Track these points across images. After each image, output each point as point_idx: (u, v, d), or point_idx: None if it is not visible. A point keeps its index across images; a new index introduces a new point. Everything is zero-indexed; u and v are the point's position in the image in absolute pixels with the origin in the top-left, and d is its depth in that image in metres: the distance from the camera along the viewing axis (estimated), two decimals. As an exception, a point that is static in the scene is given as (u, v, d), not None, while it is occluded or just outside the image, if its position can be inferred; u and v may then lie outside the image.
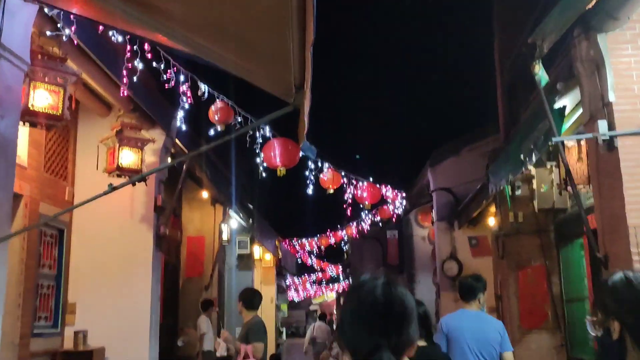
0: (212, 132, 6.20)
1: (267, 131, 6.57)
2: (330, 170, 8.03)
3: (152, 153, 7.23)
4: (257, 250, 15.14)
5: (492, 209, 8.96)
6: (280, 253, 16.22)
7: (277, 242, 15.59)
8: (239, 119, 6.20)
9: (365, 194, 9.07)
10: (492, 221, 9.25)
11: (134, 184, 6.14)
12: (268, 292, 17.67)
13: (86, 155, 7.07)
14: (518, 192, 7.07)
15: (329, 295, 38.67)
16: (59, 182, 6.78)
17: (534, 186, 6.27)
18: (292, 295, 29.79)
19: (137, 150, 6.54)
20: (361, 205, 9.24)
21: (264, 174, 6.61)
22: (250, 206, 11.68)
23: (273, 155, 6.63)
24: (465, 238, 10.68)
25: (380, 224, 13.46)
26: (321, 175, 7.90)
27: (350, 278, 22.60)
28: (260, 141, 6.47)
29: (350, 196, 8.99)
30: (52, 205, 6.57)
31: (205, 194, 10.42)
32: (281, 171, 6.64)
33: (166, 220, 7.53)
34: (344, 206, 8.97)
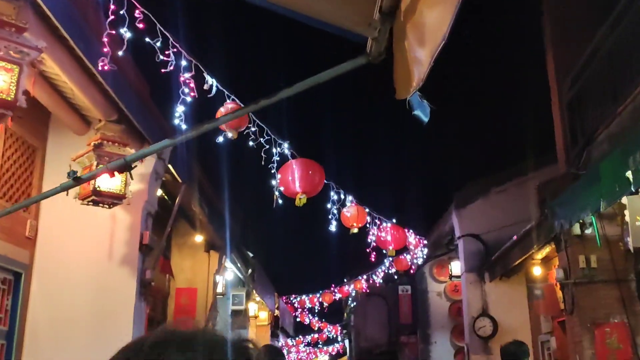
0: (220, 139, 4.84)
1: (286, 148, 5.24)
2: (354, 205, 6.67)
3: (138, 179, 5.85)
4: (253, 307, 13.51)
5: (539, 256, 7.62)
6: (278, 311, 14.56)
7: (276, 298, 13.99)
8: (253, 128, 4.88)
9: (389, 238, 7.68)
10: (537, 271, 7.88)
11: (110, 206, 4.76)
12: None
13: (56, 180, 5.65)
14: (588, 231, 5.74)
15: (322, 358, 36.33)
16: (18, 214, 5.36)
17: (627, 218, 4.95)
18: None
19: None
20: (384, 251, 7.83)
21: (279, 201, 5.23)
22: (250, 254, 10.20)
23: (291, 179, 5.29)
24: (499, 292, 9.25)
25: (396, 276, 11.97)
26: (344, 211, 6.52)
27: (351, 339, 20.76)
28: (278, 159, 5.13)
29: (372, 239, 7.59)
30: (8, 242, 5.15)
31: (199, 238, 8.97)
32: (301, 200, 5.28)
33: (153, 263, 6.07)
34: (368, 250, 7.55)
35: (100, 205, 5.17)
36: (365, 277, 13.33)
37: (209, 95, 4.43)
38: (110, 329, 5.48)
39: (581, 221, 5.60)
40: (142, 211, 5.84)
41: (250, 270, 10.38)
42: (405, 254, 10.63)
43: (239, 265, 10.46)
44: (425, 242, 10.08)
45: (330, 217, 6.17)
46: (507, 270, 8.69)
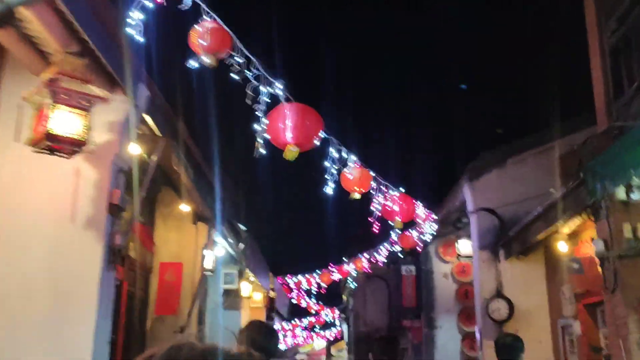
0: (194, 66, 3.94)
1: (278, 89, 4.35)
2: (357, 166, 5.79)
3: (107, 128, 4.98)
4: (246, 287, 12.70)
5: (565, 230, 6.78)
6: (274, 292, 13.75)
7: (271, 278, 13.17)
8: (239, 60, 3.98)
9: (396, 208, 6.82)
10: (562, 246, 7.04)
11: (70, 155, 3.93)
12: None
13: (6, 124, 4.80)
14: (635, 196, 4.89)
15: (319, 343, 35.67)
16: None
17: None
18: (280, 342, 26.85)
19: (82, 113, 4.28)
20: (391, 223, 6.97)
21: (262, 150, 4.36)
22: (243, 227, 9.34)
23: (282, 127, 4.41)
24: (516, 271, 8.42)
25: (401, 255, 11.12)
26: (345, 171, 5.64)
27: (349, 323, 20.01)
28: (267, 100, 4.23)
29: (376, 208, 6.73)
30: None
31: (185, 207, 8.10)
32: (291, 152, 4.41)
33: (126, 228, 5.21)
34: (372, 220, 6.69)
35: (58, 153, 4.31)
36: (367, 255, 12.49)
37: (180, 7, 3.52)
38: (72, 303, 4.64)
39: (628, 184, 4.75)
40: (112, 166, 4.97)
41: (242, 246, 9.52)
42: (411, 230, 9.77)
43: (230, 240, 9.60)
44: (435, 217, 9.21)
45: (328, 178, 5.28)
46: (526, 247, 7.85)
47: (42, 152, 4.24)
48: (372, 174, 6.13)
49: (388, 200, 6.81)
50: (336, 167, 5.38)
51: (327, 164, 5.29)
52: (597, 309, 6.75)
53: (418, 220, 8.63)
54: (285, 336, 27.65)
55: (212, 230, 8.60)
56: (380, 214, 6.80)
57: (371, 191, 6.26)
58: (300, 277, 15.18)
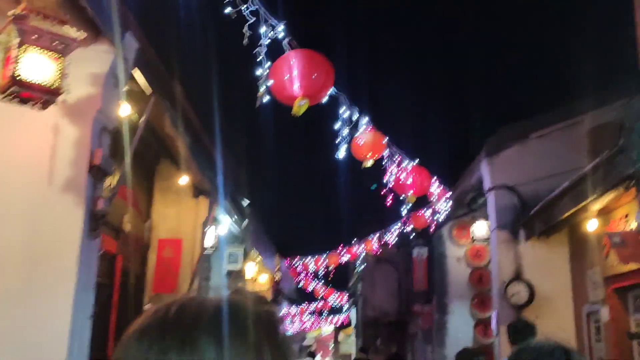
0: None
1: (281, 32, 3.79)
2: (370, 130, 5.23)
3: (89, 80, 4.46)
4: (251, 268, 12.23)
5: (596, 207, 6.19)
6: (280, 274, 13.27)
7: (277, 260, 12.69)
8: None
9: (409, 181, 6.26)
10: (592, 225, 6.46)
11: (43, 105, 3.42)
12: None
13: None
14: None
15: (327, 328, 35.35)
16: None
17: None
18: (287, 326, 26.36)
19: (55, 56, 3.75)
20: (402, 198, 6.42)
21: (264, 98, 3.81)
22: (246, 202, 8.83)
23: (289, 78, 3.87)
24: (537, 253, 7.85)
25: (413, 235, 10.57)
26: (357, 137, 5.09)
27: (357, 308, 19.54)
28: (268, 42, 3.67)
29: (389, 179, 6.17)
30: None
31: (184, 180, 7.60)
32: (300, 107, 3.86)
33: (111, 192, 4.70)
34: (383, 193, 6.14)
35: (30, 103, 3.79)
36: (377, 236, 11.94)
37: None
38: (49, 272, 4.15)
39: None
40: (94, 123, 4.45)
41: (246, 222, 9.02)
42: (424, 210, 9.20)
43: (233, 216, 9.10)
44: (450, 194, 8.63)
45: (340, 140, 4.73)
46: (549, 226, 7.27)
47: (12, 102, 3.73)
48: (386, 140, 5.57)
49: (401, 172, 6.24)
50: (347, 130, 4.81)
51: (338, 125, 4.73)
52: (629, 293, 6.19)
53: (432, 197, 8.07)
54: (292, 322, 27.29)
55: (214, 205, 8.09)
56: (392, 186, 6.24)
57: (383, 160, 5.69)
58: (308, 258, 14.66)
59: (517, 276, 7.83)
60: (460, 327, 11.21)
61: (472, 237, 11.07)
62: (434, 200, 8.29)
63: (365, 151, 5.12)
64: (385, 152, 5.77)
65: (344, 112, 4.69)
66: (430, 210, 9.17)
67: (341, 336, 32.64)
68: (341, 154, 4.75)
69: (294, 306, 22.11)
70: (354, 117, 4.92)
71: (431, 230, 10.21)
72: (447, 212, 8.94)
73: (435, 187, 7.75)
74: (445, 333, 11.29)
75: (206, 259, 8.64)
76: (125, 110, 4.80)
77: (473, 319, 11.15)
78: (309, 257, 14.57)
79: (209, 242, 8.69)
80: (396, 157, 6.11)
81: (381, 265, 16.10)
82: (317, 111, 4.53)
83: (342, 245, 13.50)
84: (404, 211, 6.72)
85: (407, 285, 13.95)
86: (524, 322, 5.18)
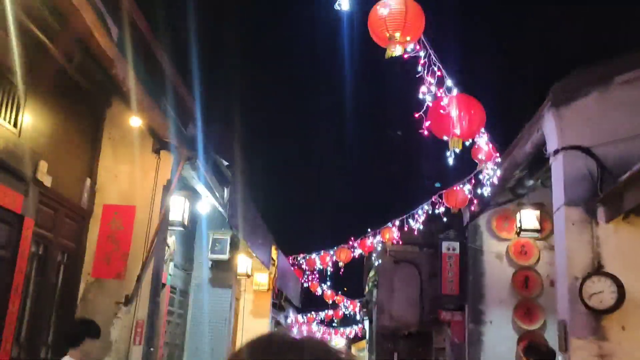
0: None
1: None
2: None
3: None
4: (244, 262, 10.07)
5: None
6: (276, 270, 11.10)
7: (273, 250, 10.53)
8: None
9: (454, 113, 4.11)
10: None
11: None
12: (260, 329, 12.43)
13: None
14: None
15: (337, 341, 32.93)
16: None
17: None
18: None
19: None
20: (445, 139, 4.25)
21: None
22: (225, 162, 6.70)
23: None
24: (623, 238, 5.62)
25: (440, 227, 8.34)
26: (378, 6, 2.93)
27: (372, 318, 17.22)
28: None
29: (424, 98, 4.00)
30: None
31: (135, 121, 5.52)
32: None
33: None
34: (418, 116, 3.97)
35: None
36: (397, 223, 9.68)
37: None
38: None
39: None
40: None
41: (226, 193, 6.90)
42: (461, 185, 6.96)
43: (212, 185, 6.97)
44: (499, 159, 6.40)
45: None
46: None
47: None
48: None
49: (442, 99, 4.07)
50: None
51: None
52: None
53: (478, 155, 5.85)
54: (298, 332, 24.99)
55: (181, 164, 6.00)
56: (427, 121, 4.06)
57: (417, 57, 3.53)
58: (314, 255, 12.42)
59: (597, 270, 5.58)
60: (499, 341, 8.95)
61: (518, 229, 8.84)
62: (483, 161, 6.03)
63: (393, 25, 2.96)
64: (421, 55, 3.61)
65: None
66: (466, 186, 6.90)
67: (353, 349, 30.24)
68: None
69: (299, 315, 19.77)
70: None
71: (472, 208, 7.97)
72: (492, 178, 6.64)
73: (483, 141, 5.56)
74: (480, 348, 9.04)
75: (167, 237, 6.54)
76: None
77: (516, 332, 8.88)
78: (314, 254, 12.31)
79: (175, 214, 6.60)
80: (435, 69, 3.94)
81: (401, 268, 13.84)
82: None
83: (353, 238, 11.22)
84: (449, 157, 4.51)
85: (432, 290, 11.70)
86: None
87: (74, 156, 5.60)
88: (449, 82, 4.10)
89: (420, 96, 3.92)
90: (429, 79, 3.90)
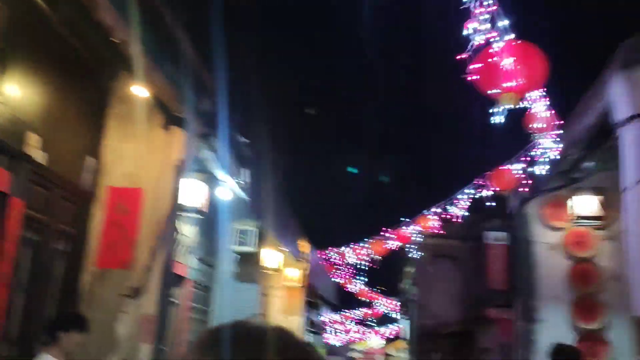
0: None
1: None
2: None
3: None
4: (272, 256, 9.42)
5: None
6: (307, 264, 10.40)
7: (304, 244, 9.83)
8: None
9: (509, 63, 3.30)
10: None
11: None
12: (292, 327, 11.76)
13: None
14: None
15: (374, 341, 31.99)
16: None
17: None
18: (329, 336, 22.63)
19: None
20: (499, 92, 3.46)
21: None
22: (246, 143, 6.03)
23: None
24: None
25: (491, 203, 7.48)
26: None
27: (411, 317, 16.37)
28: None
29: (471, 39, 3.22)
30: None
31: (141, 91, 4.91)
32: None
33: None
34: (463, 57, 3.20)
35: None
36: (437, 209, 8.84)
37: None
38: None
39: None
40: None
41: (247, 177, 6.23)
42: (510, 164, 6.10)
43: (235, 171, 6.32)
44: (560, 130, 5.52)
45: None
46: None
47: None
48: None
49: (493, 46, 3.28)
50: None
51: None
52: None
53: (534, 123, 4.99)
54: (336, 332, 24.05)
55: (194, 139, 5.37)
56: (474, 69, 3.28)
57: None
58: (344, 249, 11.65)
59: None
60: (555, 341, 8.01)
61: (574, 217, 7.93)
62: (541, 130, 5.15)
63: None
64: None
65: None
66: (518, 166, 6.02)
67: (391, 349, 29.30)
68: None
69: (335, 314, 19.00)
70: None
71: (525, 189, 7.07)
72: (554, 159, 5.77)
73: (540, 107, 4.72)
74: (532, 348, 8.15)
75: (185, 225, 5.92)
76: None
77: (574, 332, 7.97)
78: (343, 247, 11.51)
79: (191, 199, 5.96)
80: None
81: (441, 264, 12.98)
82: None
83: (386, 229, 10.35)
84: (499, 117, 3.73)
85: (476, 286, 10.82)
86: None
87: (73, 132, 5.02)
88: (504, 22, 3.32)
89: (465, 34, 3.13)
90: (480, 12, 3.12)
